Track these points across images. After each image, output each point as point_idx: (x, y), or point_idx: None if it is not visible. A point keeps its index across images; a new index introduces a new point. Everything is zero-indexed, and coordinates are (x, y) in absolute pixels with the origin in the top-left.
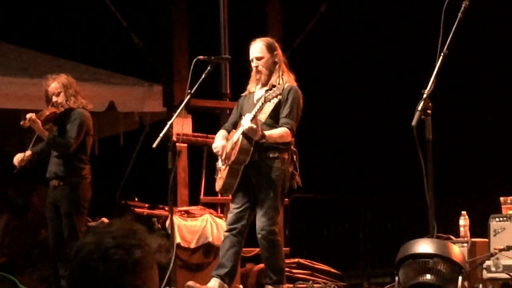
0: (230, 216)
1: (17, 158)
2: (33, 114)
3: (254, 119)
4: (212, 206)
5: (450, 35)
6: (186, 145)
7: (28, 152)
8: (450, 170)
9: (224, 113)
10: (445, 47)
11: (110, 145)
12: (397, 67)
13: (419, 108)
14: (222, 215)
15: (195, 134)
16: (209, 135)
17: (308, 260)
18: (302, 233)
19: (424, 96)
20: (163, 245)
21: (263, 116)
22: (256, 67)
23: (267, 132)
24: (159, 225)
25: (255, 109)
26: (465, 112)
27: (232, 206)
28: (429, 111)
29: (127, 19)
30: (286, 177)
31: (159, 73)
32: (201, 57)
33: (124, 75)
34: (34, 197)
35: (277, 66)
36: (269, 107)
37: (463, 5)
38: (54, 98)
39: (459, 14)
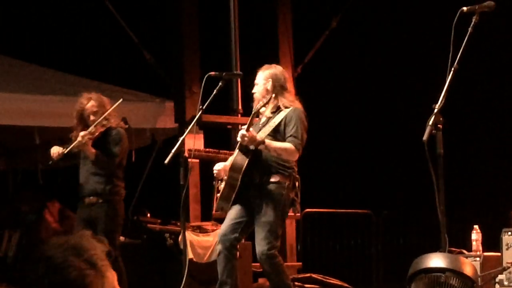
0: (224, 225)
1: (57, 149)
2: (87, 133)
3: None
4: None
5: (461, 50)
6: (198, 160)
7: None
8: (462, 184)
9: (235, 129)
10: (456, 62)
11: None
12: (408, 82)
13: (430, 122)
14: None
15: (207, 149)
16: (221, 151)
17: (321, 275)
18: (314, 248)
19: (435, 110)
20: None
21: (262, 135)
22: (254, 93)
23: (267, 140)
24: (172, 241)
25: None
26: (475, 127)
27: (227, 216)
28: (440, 126)
29: (139, 36)
30: (286, 203)
31: (170, 89)
32: (212, 73)
33: (136, 91)
34: (46, 213)
35: (270, 94)
36: (269, 127)
37: (473, 20)
38: (92, 117)
39: (469, 29)
